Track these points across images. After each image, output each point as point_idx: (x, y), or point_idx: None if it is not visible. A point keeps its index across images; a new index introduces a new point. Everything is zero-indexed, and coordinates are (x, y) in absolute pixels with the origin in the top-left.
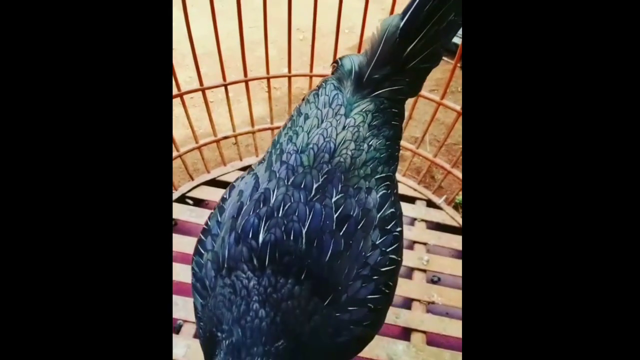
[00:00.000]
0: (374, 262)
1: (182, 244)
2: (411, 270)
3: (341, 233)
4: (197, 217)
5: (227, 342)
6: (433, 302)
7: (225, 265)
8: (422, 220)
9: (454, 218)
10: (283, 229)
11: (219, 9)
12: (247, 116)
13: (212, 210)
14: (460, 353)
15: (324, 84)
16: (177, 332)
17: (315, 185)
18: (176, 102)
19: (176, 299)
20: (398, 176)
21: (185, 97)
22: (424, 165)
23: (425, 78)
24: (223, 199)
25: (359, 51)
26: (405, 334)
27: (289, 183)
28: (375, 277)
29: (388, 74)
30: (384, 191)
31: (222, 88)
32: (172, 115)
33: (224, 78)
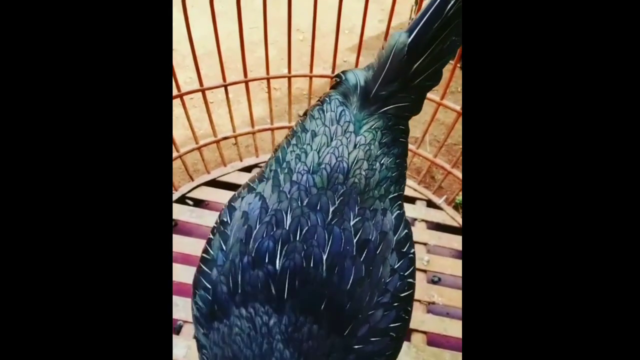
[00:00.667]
0: (394, 289)
1: (183, 244)
2: None
3: (362, 259)
4: (197, 217)
5: None
6: (433, 303)
7: (240, 290)
8: (423, 220)
9: (454, 218)
10: (303, 254)
11: (218, 10)
12: (247, 117)
13: (210, 236)
14: (461, 354)
15: (327, 99)
16: (178, 333)
17: (332, 208)
18: (176, 102)
19: (176, 300)
20: None
21: (185, 97)
22: (424, 165)
23: (425, 96)
24: (223, 223)
25: (359, 52)
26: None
27: (304, 204)
28: (395, 304)
29: (395, 91)
30: (397, 212)
31: (222, 89)
32: (173, 115)
33: (224, 79)
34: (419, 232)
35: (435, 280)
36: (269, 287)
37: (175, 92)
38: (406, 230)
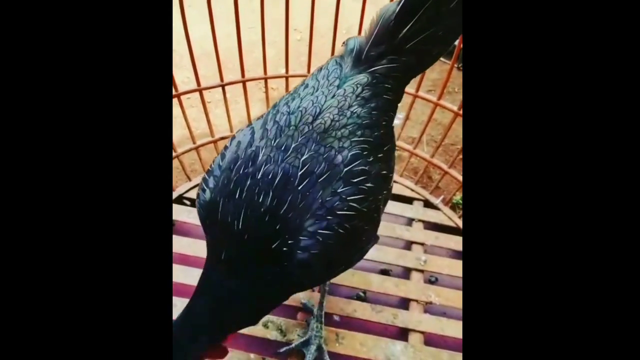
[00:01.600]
0: (330, 205)
1: (180, 245)
2: (409, 270)
3: (300, 187)
4: (195, 218)
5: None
6: (431, 303)
7: (220, 203)
8: (420, 220)
9: (452, 218)
10: (257, 190)
11: (216, 10)
12: (244, 117)
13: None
14: (458, 353)
15: (329, 61)
16: None
17: (293, 146)
18: (174, 102)
19: (175, 301)
20: (395, 176)
21: (182, 97)
22: (421, 165)
23: (430, 60)
24: (225, 147)
25: None
26: (403, 334)
27: (274, 144)
28: (328, 217)
29: (383, 52)
30: (357, 151)
31: (220, 89)
32: (172, 115)
33: (222, 79)
34: (416, 233)
35: (433, 281)
36: (233, 213)
37: (172, 91)
38: (363, 167)
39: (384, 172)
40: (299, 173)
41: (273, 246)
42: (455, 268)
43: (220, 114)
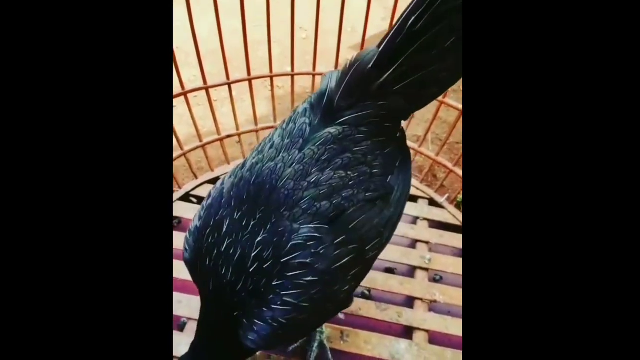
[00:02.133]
0: (267, 297)
1: None
2: (413, 269)
3: (251, 270)
4: None
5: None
6: (435, 301)
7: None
8: (425, 219)
9: (456, 217)
10: (220, 262)
11: (222, 8)
12: (250, 115)
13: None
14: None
15: (300, 107)
16: (182, 330)
17: (252, 223)
18: (180, 100)
19: (180, 297)
20: None
21: (189, 95)
22: (427, 164)
23: (425, 100)
24: (207, 198)
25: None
26: (407, 332)
27: (237, 217)
28: (264, 309)
29: (355, 100)
30: (300, 241)
31: (226, 87)
32: (175, 113)
33: (228, 77)
34: (421, 231)
35: (437, 279)
36: (205, 276)
37: (179, 90)
38: (302, 260)
39: (341, 254)
40: (252, 255)
41: (234, 314)
42: (460, 267)
43: (227, 112)
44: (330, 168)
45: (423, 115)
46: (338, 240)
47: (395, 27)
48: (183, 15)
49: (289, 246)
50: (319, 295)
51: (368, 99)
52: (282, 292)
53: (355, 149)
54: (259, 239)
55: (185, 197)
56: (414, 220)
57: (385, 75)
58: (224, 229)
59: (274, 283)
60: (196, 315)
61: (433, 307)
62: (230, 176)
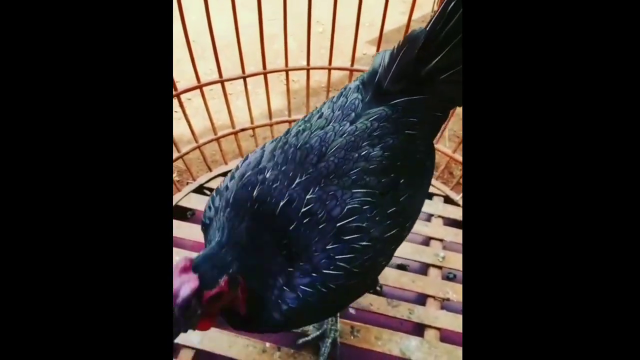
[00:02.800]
0: (317, 262)
1: (200, 234)
2: (427, 266)
3: (304, 222)
4: None
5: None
6: (448, 299)
7: (230, 202)
8: (439, 216)
9: None
10: (268, 196)
11: (239, 2)
12: (265, 109)
13: None
14: None
15: (352, 84)
16: None
17: (297, 181)
18: (196, 93)
19: None
20: None
21: (204, 89)
22: (443, 161)
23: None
24: (237, 167)
25: (379, 45)
26: (418, 329)
27: (282, 170)
28: (313, 274)
29: (404, 88)
30: (356, 205)
31: (241, 80)
32: (178, 111)
33: (243, 70)
34: (435, 228)
35: (451, 277)
36: (247, 195)
37: (195, 83)
38: (359, 223)
39: (391, 228)
40: (303, 209)
41: (282, 252)
42: None
43: (241, 105)
44: (380, 146)
45: None
46: (390, 210)
47: (449, 8)
48: (200, 9)
49: (345, 209)
50: (369, 262)
51: (417, 85)
52: (336, 256)
53: (407, 132)
54: (309, 196)
55: (199, 190)
56: (429, 217)
57: (433, 62)
58: (267, 175)
59: (328, 247)
60: None
61: (445, 305)
62: (272, 142)
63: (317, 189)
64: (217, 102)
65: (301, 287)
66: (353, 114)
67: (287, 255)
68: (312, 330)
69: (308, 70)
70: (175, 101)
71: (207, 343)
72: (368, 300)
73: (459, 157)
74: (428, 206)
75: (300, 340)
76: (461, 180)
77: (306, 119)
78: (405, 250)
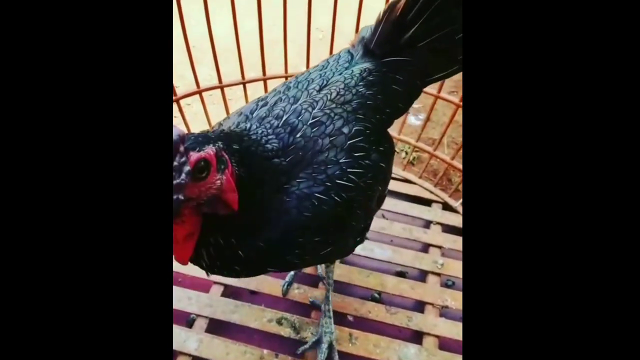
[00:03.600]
0: (331, 173)
1: None
2: (425, 273)
3: (312, 130)
4: None
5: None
6: (446, 307)
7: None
8: (438, 223)
9: None
10: (273, 111)
11: (239, 8)
12: None
13: None
14: None
15: (343, 50)
16: (190, 326)
17: (302, 100)
18: (195, 99)
19: (190, 294)
20: (414, 178)
21: (204, 94)
22: (441, 167)
23: (449, 63)
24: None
25: None
26: (417, 337)
27: (286, 93)
28: (327, 184)
29: (393, 46)
30: (360, 127)
31: (241, 86)
32: (172, 116)
33: (243, 76)
34: (434, 235)
35: (449, 284)
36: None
37: (194, 88)
38: (364, 144)
39: (380, 161)
40: (310, 121)
41: (283, 180)
42: None
43: None
44: (373, 88)
45: (439, 118)
46: (380, 147)
47: None
48: (200, 14)
49: (353, 130)
50: (370, 182)
51: (400, 49)
52: (347, 169)
53: (393, 87)
54: (315, 111)
55: None
56: (427, 224)
57: (412, 30)
58: (269, 99)
59: (341, 160)
60: (205, 312)
61: (444, 312)
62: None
63: (323, 107)
64: (216, 108)
65: (316, 194)
66: (347, 64)
67: (292, 160)
68: (309, 337)
69: None
70: (174, 106)
71: (205, 350)
72: (366, 308)
73: (457, 164)
74: (427, 213)
75: (300, 349)
76: (460, 187)
77: (298, 76)
78: (404, 257)
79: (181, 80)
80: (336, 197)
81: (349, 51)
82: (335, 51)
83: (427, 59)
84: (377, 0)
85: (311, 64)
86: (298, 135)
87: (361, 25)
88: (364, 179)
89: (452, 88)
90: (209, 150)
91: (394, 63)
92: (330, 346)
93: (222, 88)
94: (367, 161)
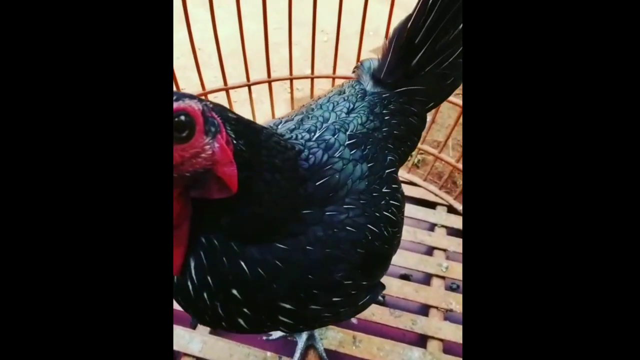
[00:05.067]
0: (378, 203)
1: None
2: (429, 276)
3: (350, 152)
4: None
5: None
6: (451, 310)
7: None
8: (443, 226)
9: None
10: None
11: (244, 10)
12: (269, 116)
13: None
14: None
15: (348, 82)
16: (194, 328)
17: (331, 120)
18: None
19: None
20: (419, 180)
21: (209, 96)
22: (446, 170)
23: (450, 83)
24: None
25: None
26: (421, 340)
27: (312, 113)
28: (376, 214)
29: (400, 78)
30: (392, 158)
31: (246, 88)
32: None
33: (248, 78)
34: (439, 238)
35: (454, 288)
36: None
37: (200, 90)
38: (396, 176)
39: (404, 199)
40: (347, 142)
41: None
42: None
43: (246, 113)
44: (396, 118)
45: (444, 120)
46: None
47: (418, 9)
48: (206, 16)
49: (388, 159)
50: (402, 217)
51: (410, 75)
52: (390, 201)
53: (410, 119)
54: (349, 133)
55: None
56: (432, 227)
57: (423, 50)
58: (293, 117)
59: (384, 190)
60: None
61: (449, 316)
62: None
63: (355, 130)
64: None
65: (369, 225)
66: (361, 93)
67: (328, 182)
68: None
69: (312, 78)
70: None
71: (208, 351)
72: (370, 311)
73: (462, 166)
74: (432, 216)
75: (270, 338)
76: None
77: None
78: (409, 260)
79: (187, 82)
80: (385, 232)
81: (352, 84)
82: (340, 53)
83: (437, 84)
84: (382, 3)
85: (316, 67)
86: (336, 155)
87: (366, 28)
88: (400, 215)
89: (457, 91)
90: (192, 103)
91: (409, 92)
92: (311, 335)
93: (227, 90)
94: (399, 194)
